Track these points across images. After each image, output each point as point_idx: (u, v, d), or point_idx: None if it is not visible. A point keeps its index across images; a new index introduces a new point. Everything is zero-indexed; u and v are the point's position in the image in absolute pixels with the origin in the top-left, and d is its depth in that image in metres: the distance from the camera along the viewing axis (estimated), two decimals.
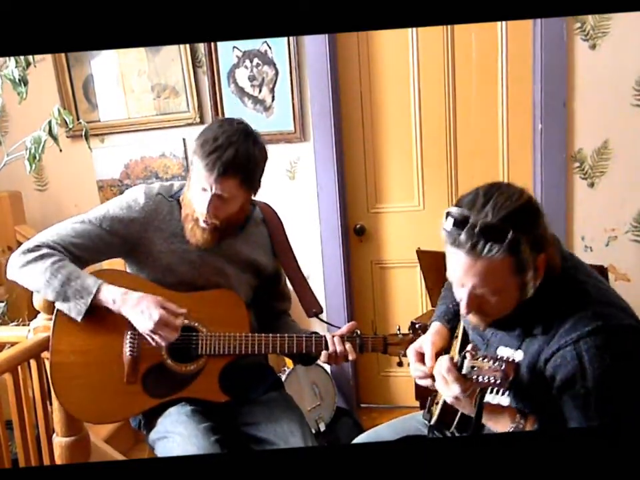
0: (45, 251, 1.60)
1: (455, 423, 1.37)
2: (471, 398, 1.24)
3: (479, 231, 1.16)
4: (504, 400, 1.19)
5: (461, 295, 1.26)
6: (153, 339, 1.57)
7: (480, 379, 1.19)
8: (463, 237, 1.18)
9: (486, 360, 1.20)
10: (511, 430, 1.24)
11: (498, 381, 1.17)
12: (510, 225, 1.16)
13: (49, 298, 1.61)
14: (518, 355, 1.18)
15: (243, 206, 1.69)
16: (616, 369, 1.18)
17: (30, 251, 1.61)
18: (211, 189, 1.59)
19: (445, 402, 1.37)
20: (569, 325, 1.22)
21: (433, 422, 1.44)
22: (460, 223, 1.19)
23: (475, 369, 1.20)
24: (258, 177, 1.67)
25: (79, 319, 1.58)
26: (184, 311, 1.60)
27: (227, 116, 2.72)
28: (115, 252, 1.72)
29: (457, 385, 1.22)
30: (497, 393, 1.20)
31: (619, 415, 1.19)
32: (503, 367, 1.17)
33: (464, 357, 1.22)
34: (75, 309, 1.57)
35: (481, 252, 1.17)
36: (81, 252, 1.65)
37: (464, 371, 1.22)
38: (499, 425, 1.27)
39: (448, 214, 1.22)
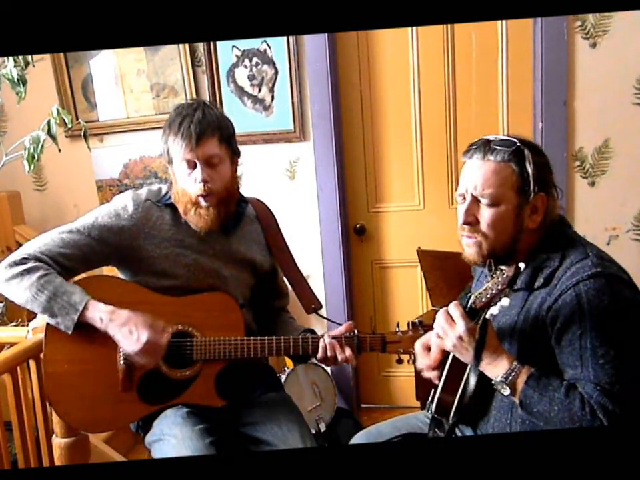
0: (31, 264, 1.56)
1: (454, 406, 1.37)
2: (472, 336, 1.26)
3: (492, 143, 1.34)
4: (505, 301, 1.23)
5: (462, 208, 1.36)
6: (139, 359, 1.56)
7: (484, 298, 1.25)
8: (478, 148, 1.35)
9: (488, 284, 1.27)
10: (506, 373, 1.26)
11: (499, 286, 1.23)
12: (519, 141, 1.33)
13: (37, 312, 1.59)
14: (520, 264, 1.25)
15: (232, 174, 1.69)
16: (613, 311, 1.23)
17: (16, 264, 1.57)
18: (196, 158, 1.60)
19: (445, 378, 1.40)
20: (569, 273, 1.28)
21: (433, 408, 1.45)
22: (480, 144, 1.36)
23: (478, 295, 1.26)
24: (233, 137, 1.70)
25: (68, 332, 1.56)
26: (169, 331, 1.58)
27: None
28: (106, 260, 1.70)
29: (462, 320, 1.26)
30: (498, 302, 1.24)
31: (613, 361, 1.21)
32: (505, 274, 1.25)
33: (468, 299, 1.29)
34: (62, 324, 1.55)
35: (489, 154, 1.33)
36: (70, 262, 1.61)
37: (469, 304, 1.27)
38: (496, 369, 1.28)
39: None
